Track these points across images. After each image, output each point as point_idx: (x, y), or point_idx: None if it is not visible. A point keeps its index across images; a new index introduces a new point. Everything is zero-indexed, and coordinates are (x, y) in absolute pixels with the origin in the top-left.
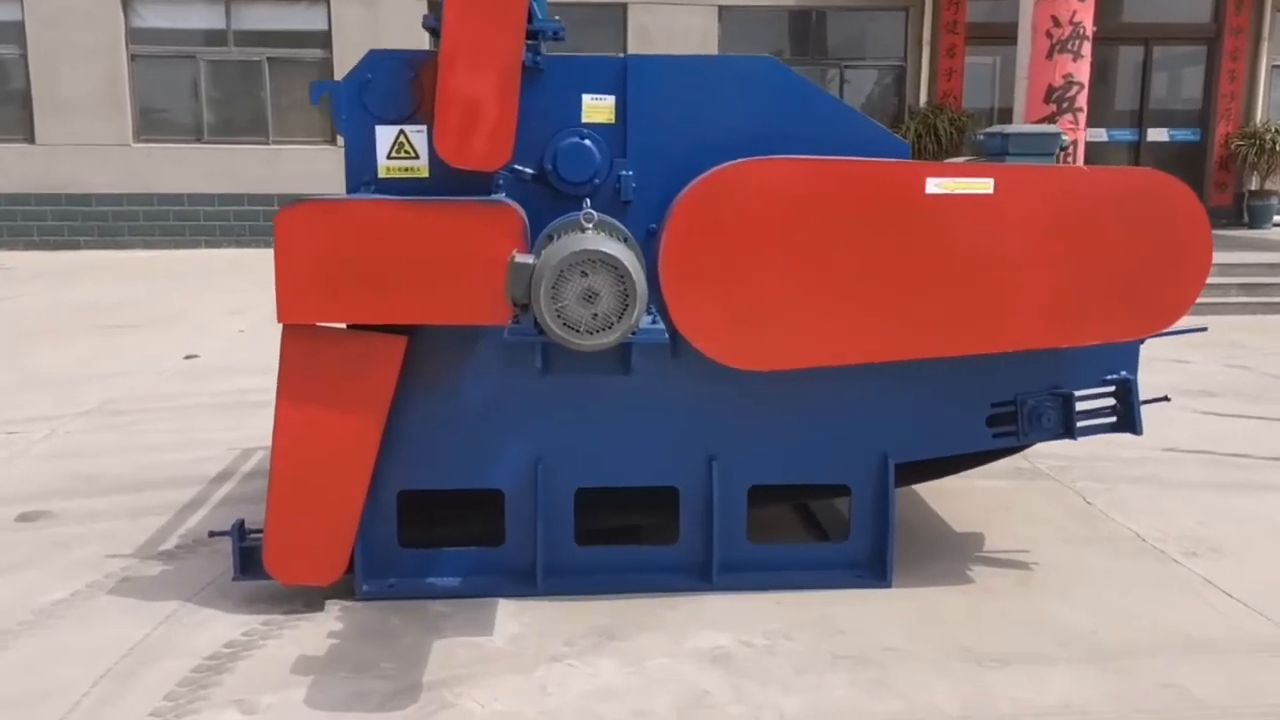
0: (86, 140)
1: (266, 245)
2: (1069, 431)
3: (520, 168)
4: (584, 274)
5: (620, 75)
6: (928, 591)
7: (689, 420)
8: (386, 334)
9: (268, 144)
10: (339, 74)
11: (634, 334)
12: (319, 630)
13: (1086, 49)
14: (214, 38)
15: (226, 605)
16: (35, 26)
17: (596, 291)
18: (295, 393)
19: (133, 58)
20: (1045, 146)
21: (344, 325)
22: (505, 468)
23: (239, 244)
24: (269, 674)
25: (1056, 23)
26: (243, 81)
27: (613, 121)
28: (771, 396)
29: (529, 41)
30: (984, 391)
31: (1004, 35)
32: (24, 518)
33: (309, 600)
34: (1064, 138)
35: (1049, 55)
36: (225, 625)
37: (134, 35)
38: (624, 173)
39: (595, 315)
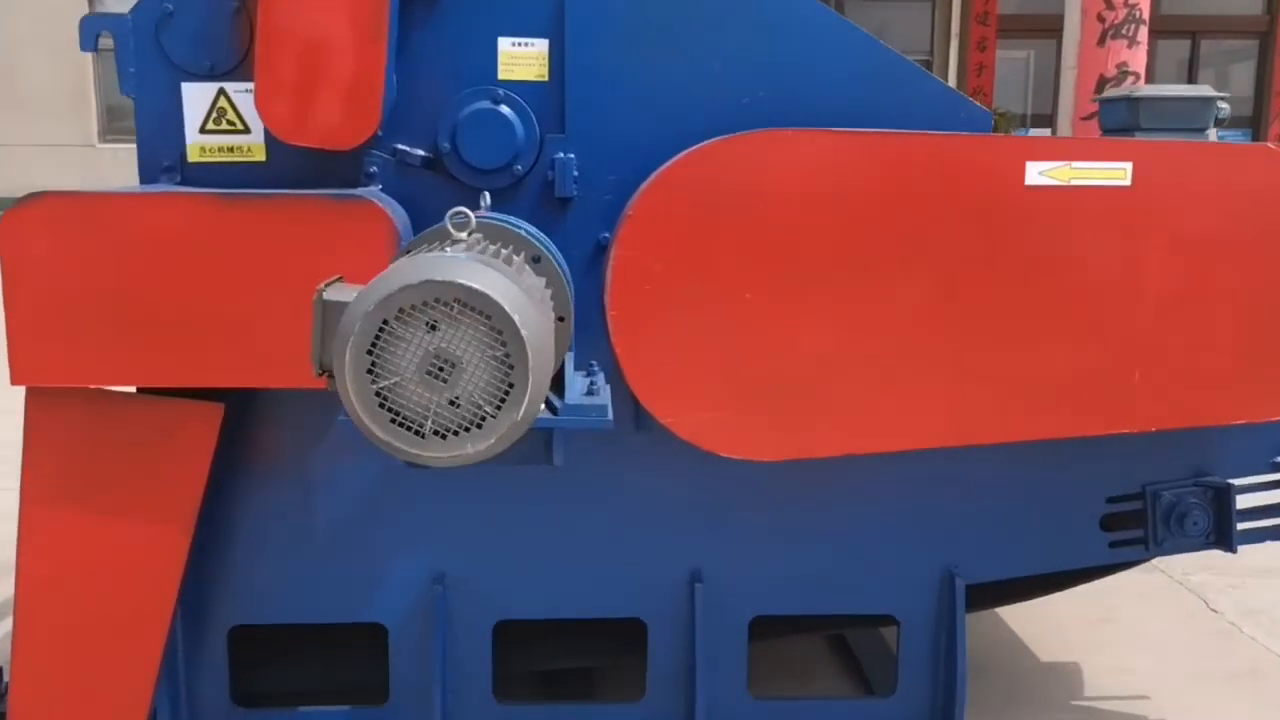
0: (47, 141)
1: None
2: (1224, 539)
3: (405, 147)
4: (431, 327)
5: (556, 7)
6: None
7: (659, 526)
8: (191, 399)
9: None
10: None
11: (547, 420)
12: None
13: (1143, 34)
14: None
15: None
16: None
17: (453, 359)
18: (47, 491)
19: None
20: (1194, 117)
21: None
22: (388, 592)
23: None
24: None
25: (1109, 4)
26: None
27: (545, 78)
28: (783, 492)
29: None
30: (1096, 482)
31: (1041, 27)
32: None
33: None
34: (1223, 106)
35: (1100, 42)
36: None
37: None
38: (561, 155)
39: (453, 401)
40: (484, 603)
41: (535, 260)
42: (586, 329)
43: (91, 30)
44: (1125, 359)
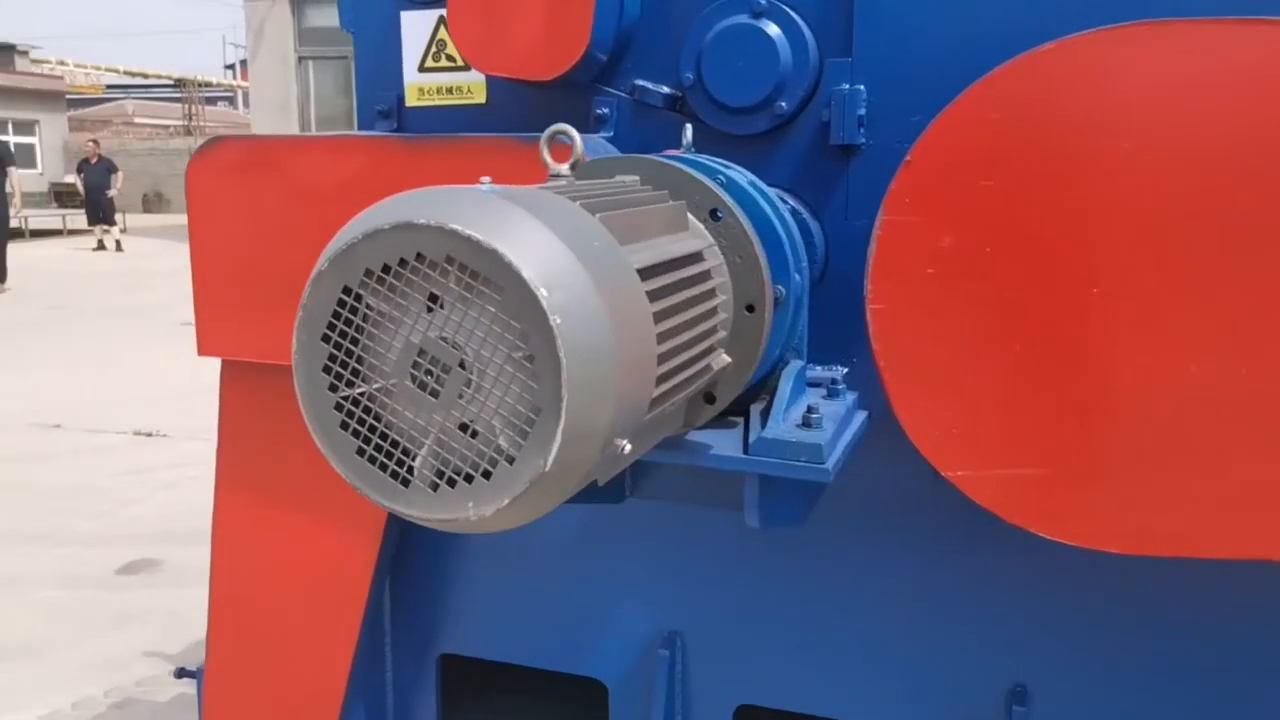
0: None
1: None
2: None
3: (645, 84)
4: (431, 305)
5: None
6: None
7: (970, 627)
8: None
9: None
10: None
11: (711, 459)
12: None
13: None
14: None
15: None
16: None
17: (455, 360)
18: (239, 477)
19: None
20: None
21: None
22: (609, 645)
23: None
24: None
25: None
26: None
27: None
28: (1146, 600)
29: None
30: None
31: None
32: (129, 568)
33: None
34: None
35: None
36: None
37: None
38: (843, 88)
39: (465, 429)
40: (724, 677)
41: (714, 215)
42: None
43: None
44: None
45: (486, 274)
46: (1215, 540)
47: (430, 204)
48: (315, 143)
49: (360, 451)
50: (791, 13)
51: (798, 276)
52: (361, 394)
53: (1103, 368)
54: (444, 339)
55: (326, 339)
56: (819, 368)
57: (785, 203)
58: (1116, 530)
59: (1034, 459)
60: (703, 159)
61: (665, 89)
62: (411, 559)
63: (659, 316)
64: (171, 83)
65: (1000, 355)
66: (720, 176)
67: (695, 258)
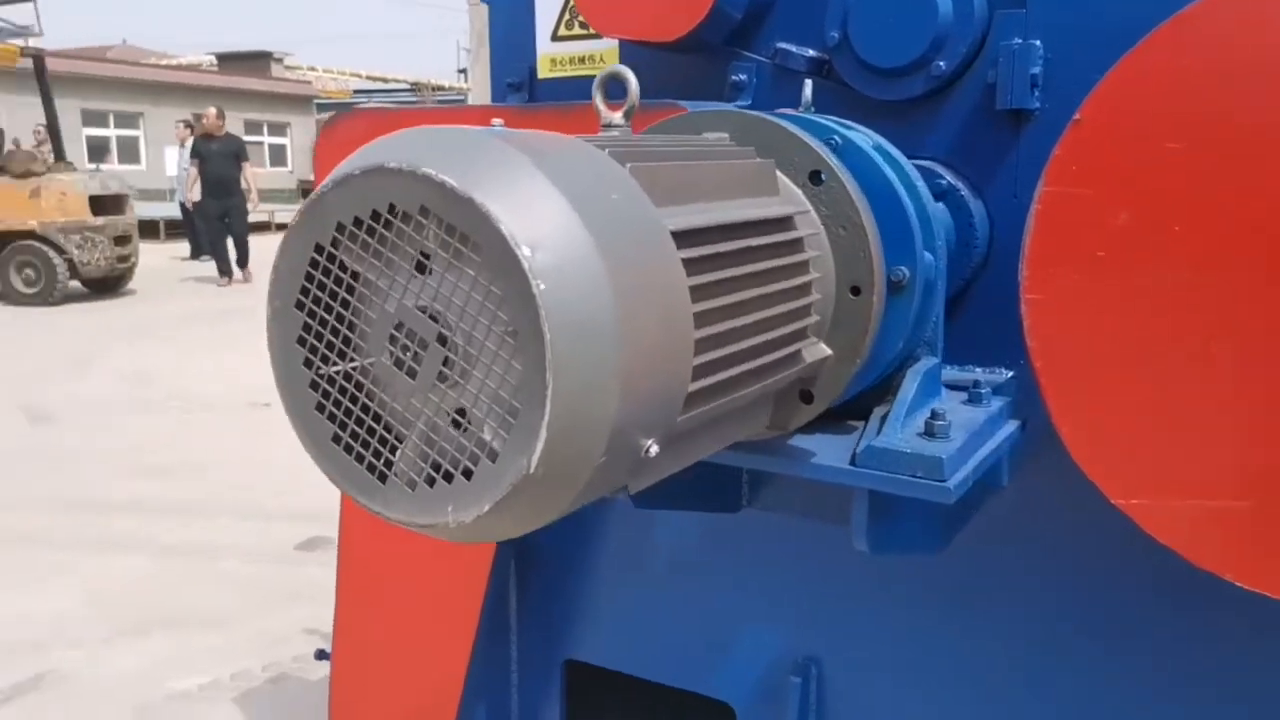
0: None
1: None
2: None
3: (789, 46)
4: (420, 266)
5: None
6: None
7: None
8: None
9: None
10: None
11: (810, 468)
12: None
13: None
14: None
15: None
16: None
17: (438, 333)
18: None
19: None
20: None
21: None
22: (735, 665)
23: None
24: None
25: None
26: None
27: None
28: None
29: None
30: None
31: None
32: (308, 544)
33: None
34: None
35: None
36: None
37: None
38: (1014, 43)
39: (458, 420)
40: (864, 712)
41: (814, 178)
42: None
43: None
44: None
45: (463, 229)
46: None
47: (409, 146)
48: (436, 113)
49: (336, 438)
50: None
51: (929, 256)
52: (339, 372)
53: None
54: (420, 308)
55: (300, 305)
56: (978, 369)
57: (939, 177)
58: None
59: (1231, 488)
60: (816, 117)
61: (810, 52)
62: (540, 561)
63: (701, 291)
64: (408, 86)
65: (1190, 359)
66: (834, 137)
67: (778, 224)
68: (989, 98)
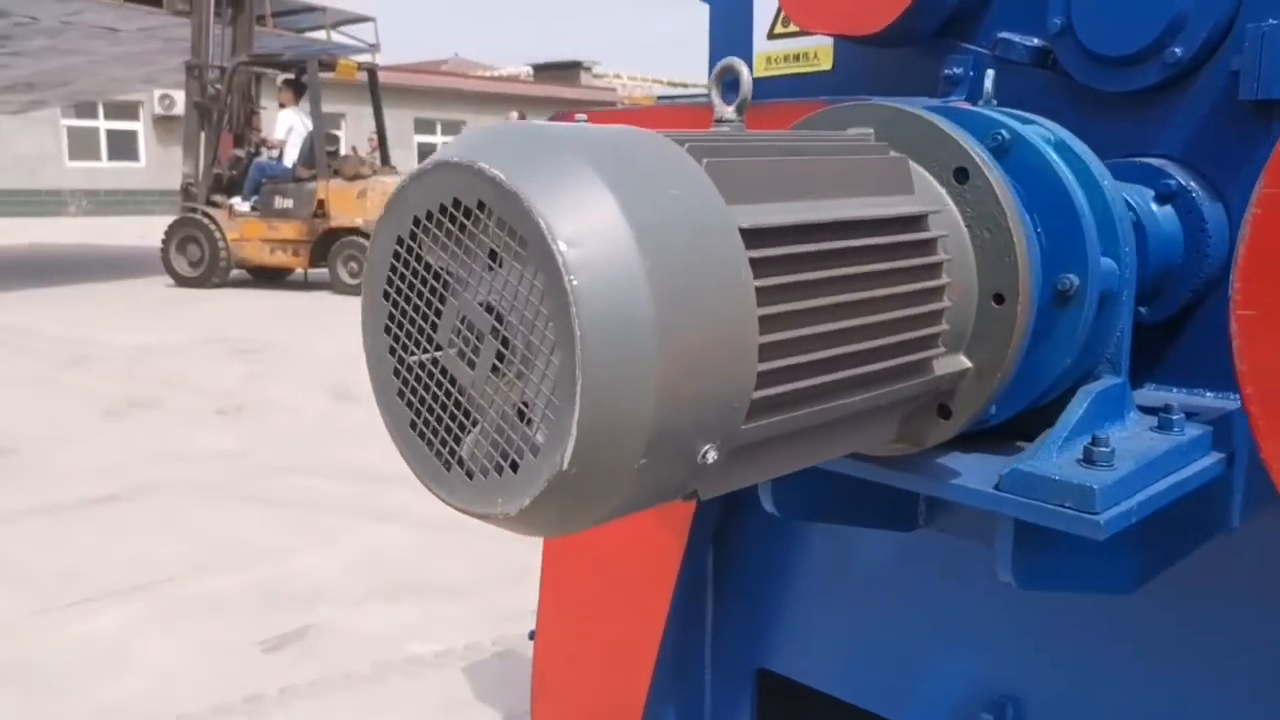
0: None
1: None
2: None
3: (1011, 36)
4: (491, 263)
5: None
6: None
7: None
8: None
9: None
10: None
11: (940, 487)
12: None
13: None
14: None
15: None
16: None
17: (499, 330)
18: None
19: None
20: None
21: None
22: (926, 695)
23: None
24: None
25: None
26: None
27: None
28: None
29: None
30: None
31: None
32: None
33: None
34: None
35: None
36: None
37: None
38: (1266, 25)
39: (521, 411)
40: None
41: (959, 175)
42: None
43: None
44: None
45: (512, 223)
46: None
47: (479, 141)
48: (625, 114)
49: (413, 424)
50: None
51: (1110, 263)
52: (417, 362)
53: None
54: (481, 303)
55: (386, 295)
56: (1209, 394)
57: (1169, 177)
58: None
59: None
60: (987, 110)
61: (1034, 41)
62: (739, 567)
63: (772, 294)
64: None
65: None
66: (1001, 130)
67: (902, 224)
68: (1233, 87)
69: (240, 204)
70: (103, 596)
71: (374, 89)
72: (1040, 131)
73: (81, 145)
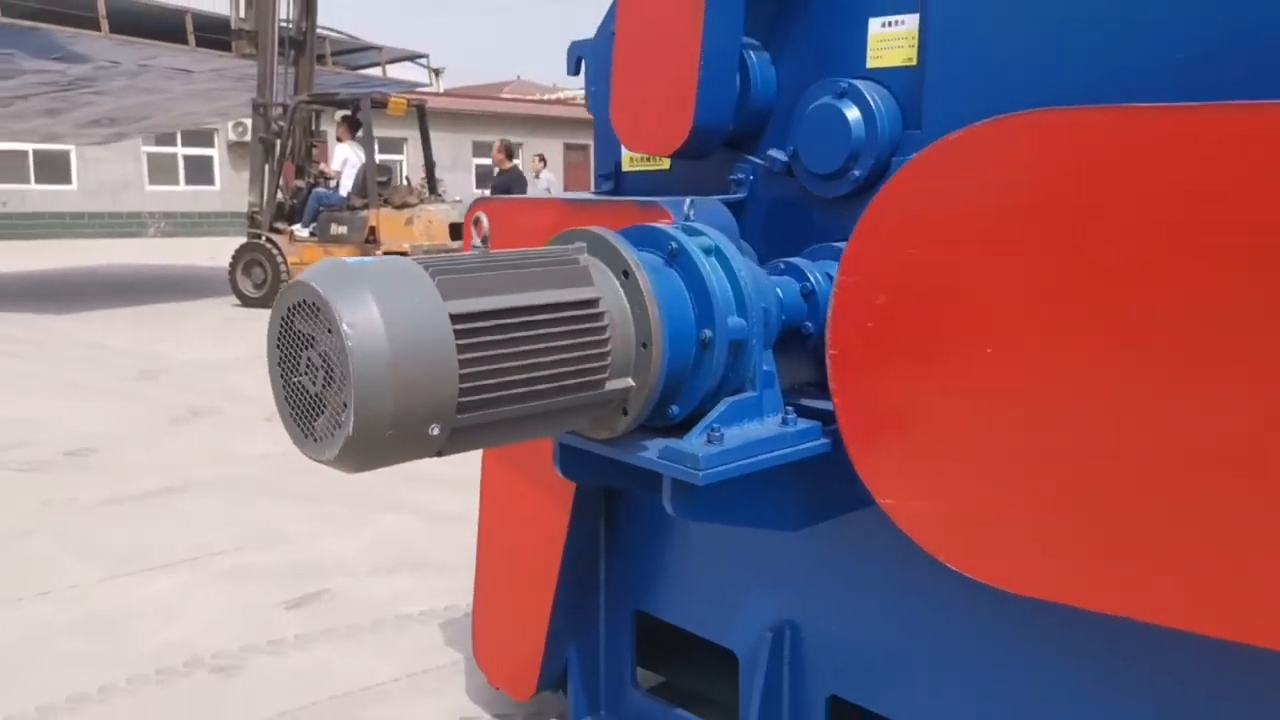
0: None
1: None
2: None
3: (774, 153)
4: (324, 330)
5: None
6: None
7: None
8: None
9: None
10: None
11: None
12: None
13: None
14: None
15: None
16: None
17: (323, 362)
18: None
19: None
20: None
21: None
22: (740, 622)
23: None
24: None
25: None
26: None
27: (913, 62)
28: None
29: None
30: None
31: None
32: None
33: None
34: None
35: None
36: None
37: None
38: (908, 158)
39: (337, 407)
40: (820, 670)
41: (625, 274)
42: None
43: (573, 54)
44: None
45: (325, 315)
46: (1103, 597)
47: (317, 270)
48: (544, 204)
49: (291, 414)
50: (874, 93)
51: (740, 321)
52: (294, 382)
53: (1006, 420)
54: (320, 351)
55: (279, 346)
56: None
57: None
58: (1007, 570)
59: (944, 498)
60: (669, 228)
61: (784, 157)
62: (620, 528)
63: (467, 347)
64: None
65: (922, 401)
66: (672, 242)
67: (578, 304)
68: None
69: (300, 230)
70: (160, 567)
71: (422, 122)
72: (702, 241)
73: (160, 170)
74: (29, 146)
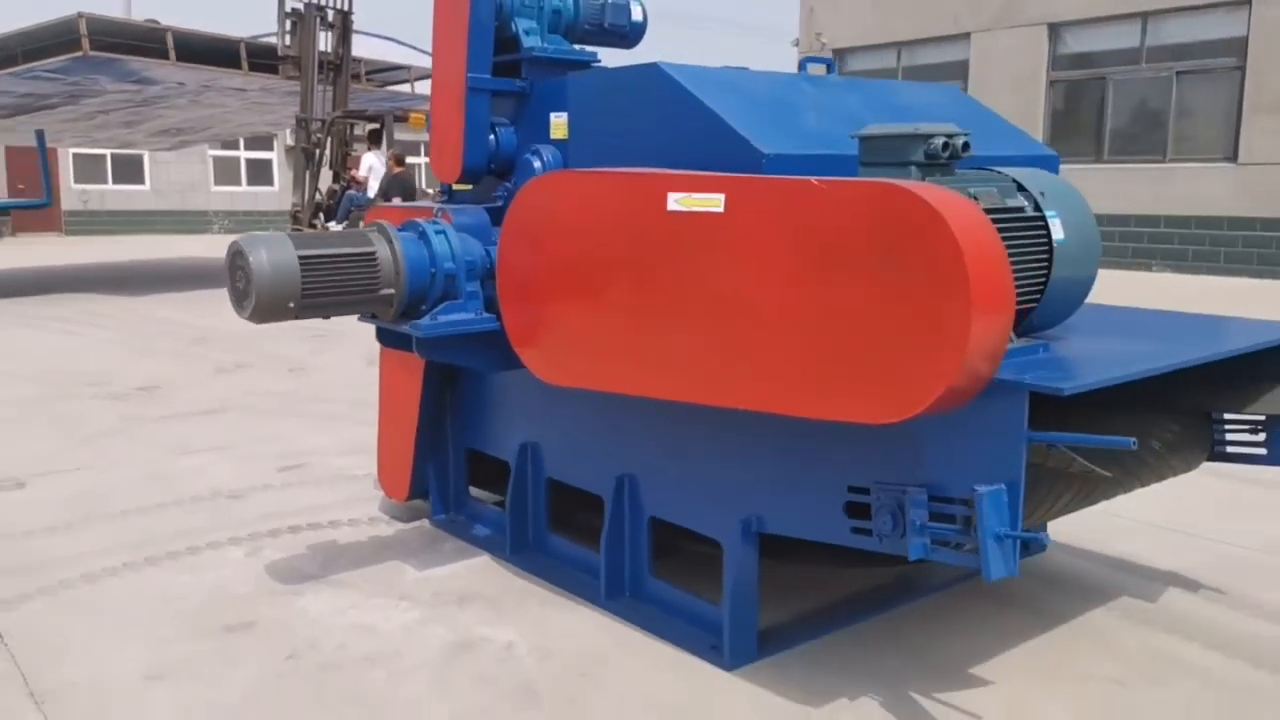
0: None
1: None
2: (904, 547)
3: (508, 183)
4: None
5: (564, 93)
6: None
7: (607, 435)
8: None
9: (1162, 162)
10: (1250, 85)
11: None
12: (381, 530)
13: None
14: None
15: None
16: None
17: (240, 274)
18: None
19: (1051, 83)
20: (900, 152)
21: None
22: (511, 445)
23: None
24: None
25: None
26: (1148, 98)
27: (566, 138)
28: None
29: (513, 66)
30: (841, 468)
31: None
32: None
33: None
34: (940, 139)
35: None
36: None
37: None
38: (525, 158)
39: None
40: (543, 464)
41: (389, 241)
42: None
43: None
44: (734, 351)
45: (244, 255)
46: (594, 381)
47: (244, 238)
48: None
49: (233, 297)
50: (557, 150)
51: (450, 265)
52: (234, 283)
53: (565, 312)
54: (242, 268)
55: (229, 269)
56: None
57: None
58: (557, 371)
59: (539, 347)
60: (421, 220)
61: (510, 184)
62: (459, 395)
63: (305, 267)
64: None
65: (534, 303)
66: (420, 227)
67: (363, 254)
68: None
69: (334, 226)
70: (198, 451)
71: None
72: (435, 226)
73: (225, 172)
74: (108, 151)
